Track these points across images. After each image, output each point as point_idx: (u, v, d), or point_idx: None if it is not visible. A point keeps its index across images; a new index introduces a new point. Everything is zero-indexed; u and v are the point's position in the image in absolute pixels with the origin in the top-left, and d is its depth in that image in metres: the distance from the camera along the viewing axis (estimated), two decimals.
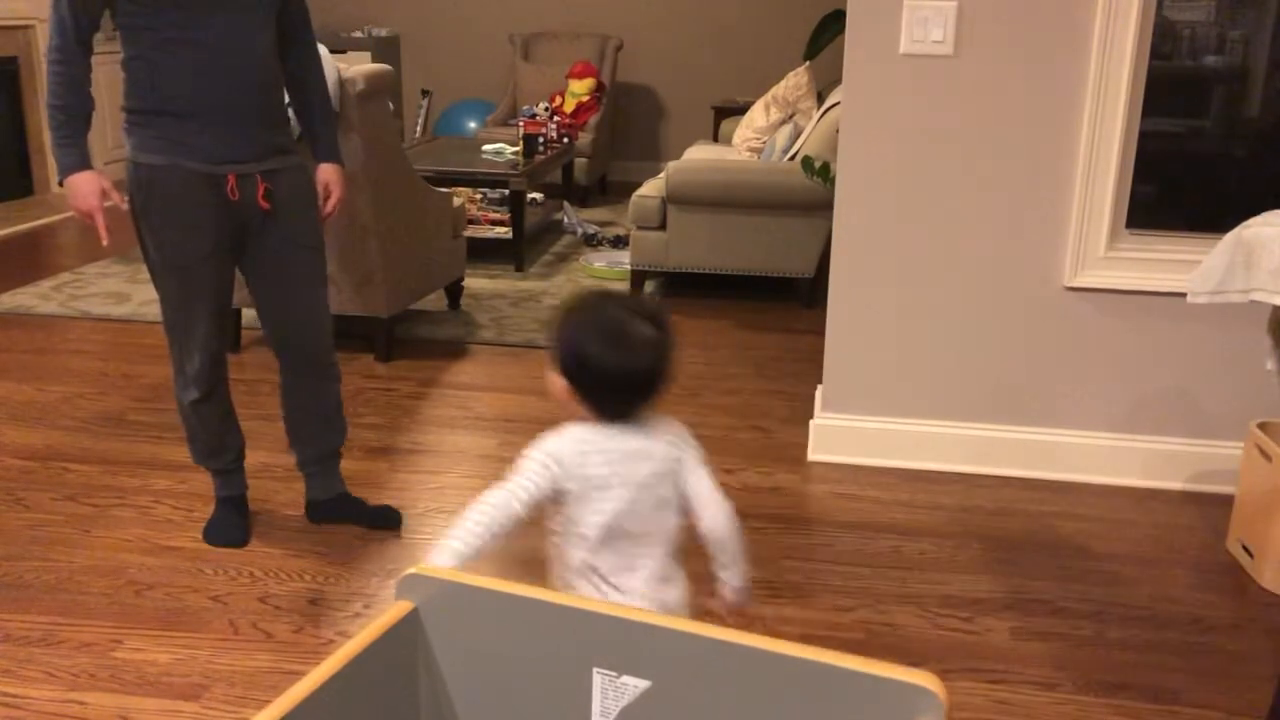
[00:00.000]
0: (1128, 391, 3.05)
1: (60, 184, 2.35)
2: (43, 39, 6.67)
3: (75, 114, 2.31)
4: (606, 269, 5.24)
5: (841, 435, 3.19)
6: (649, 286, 5.04)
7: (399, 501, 2.90)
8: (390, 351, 4.03)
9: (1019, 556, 2.69)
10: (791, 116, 5.64)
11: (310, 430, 2.74)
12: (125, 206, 2.39)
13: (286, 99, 2.58)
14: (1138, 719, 2.09)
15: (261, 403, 3.52)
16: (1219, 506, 2.92)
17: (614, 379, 1.53)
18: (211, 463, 2.69)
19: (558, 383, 1.56)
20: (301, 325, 2.60)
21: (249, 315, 4.32)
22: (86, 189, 2.32)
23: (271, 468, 3.08)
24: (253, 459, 3.07)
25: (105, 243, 2.37)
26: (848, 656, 1.05)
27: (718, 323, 4.59)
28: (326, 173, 2.64)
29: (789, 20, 7.37)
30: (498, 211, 5.86)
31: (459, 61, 7.99)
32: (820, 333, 3.23)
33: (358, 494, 2.92)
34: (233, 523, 2.70)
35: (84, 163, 2.33)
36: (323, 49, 3.56)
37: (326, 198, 2.64)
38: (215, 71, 2.32)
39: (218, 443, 2.66)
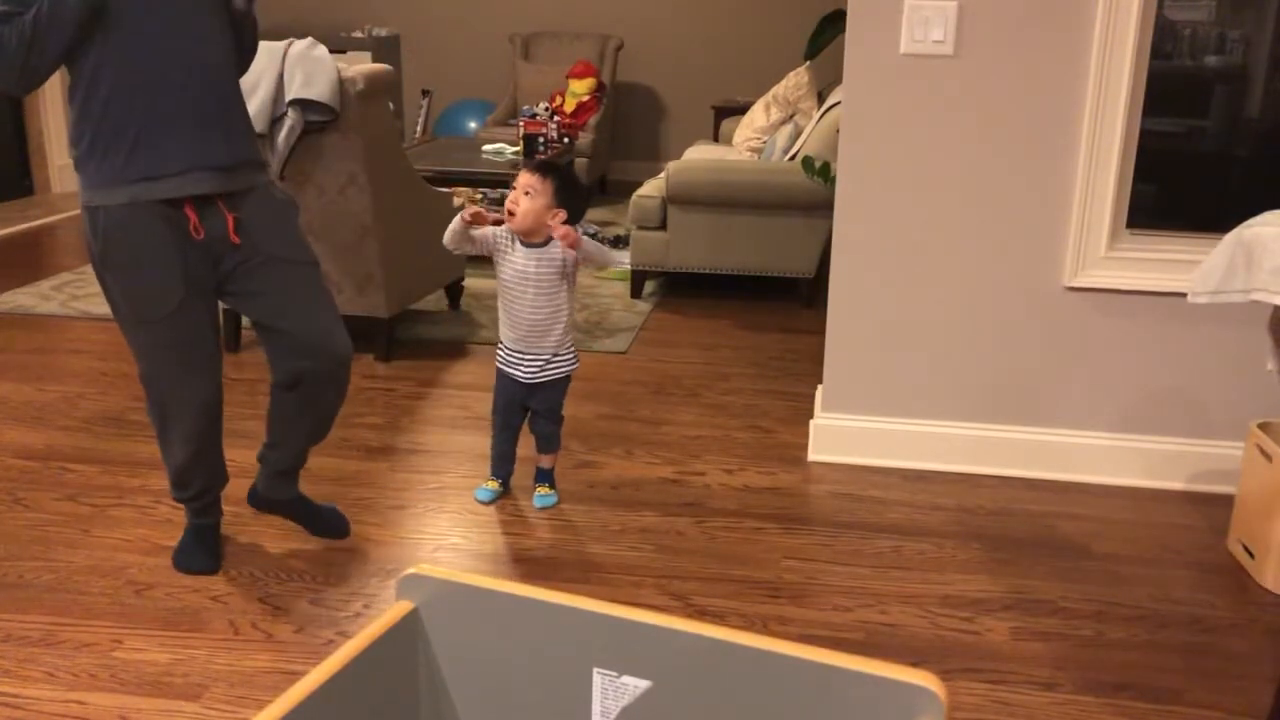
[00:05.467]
0: (1128, 391, 3.05)
1: None
2: None
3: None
4: (607, 269, 5.24)
5: (841, 435, 3.19)
6: (649, 286, 5.04)
7: (399, 501, 2.91)
8: (390, 351, 4.03)
9: (1019, 556, 2.69)
10: (792, 116, 5.64)
11: (301, 440, 2.54)
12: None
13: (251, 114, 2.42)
14: (1138, 719, 2.10)
15: (261, 402, 3.51)
16: (1219, 506, 2.92)
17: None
18: (191, 503, 2.53)
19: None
20: (324, 345, 2.38)
21: None
22: None
23: None
24: (252, 458, 3.07)
25: None
26: (848, 656, 1.05)
27: (718, 323, 4.59)
28: None
29: (789, 20, 7.37)
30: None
31: (459, 61, 7.99)
32: (820, 333, 3.24)
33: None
34: (202, 550, 2.54)
35: None
36: (322, 49, 3.59)
37: None
38: (157, 85, 2.14)
39: (201, 488, 2.51)
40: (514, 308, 2.72)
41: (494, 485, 2.91)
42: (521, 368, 2.76)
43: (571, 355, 2.80)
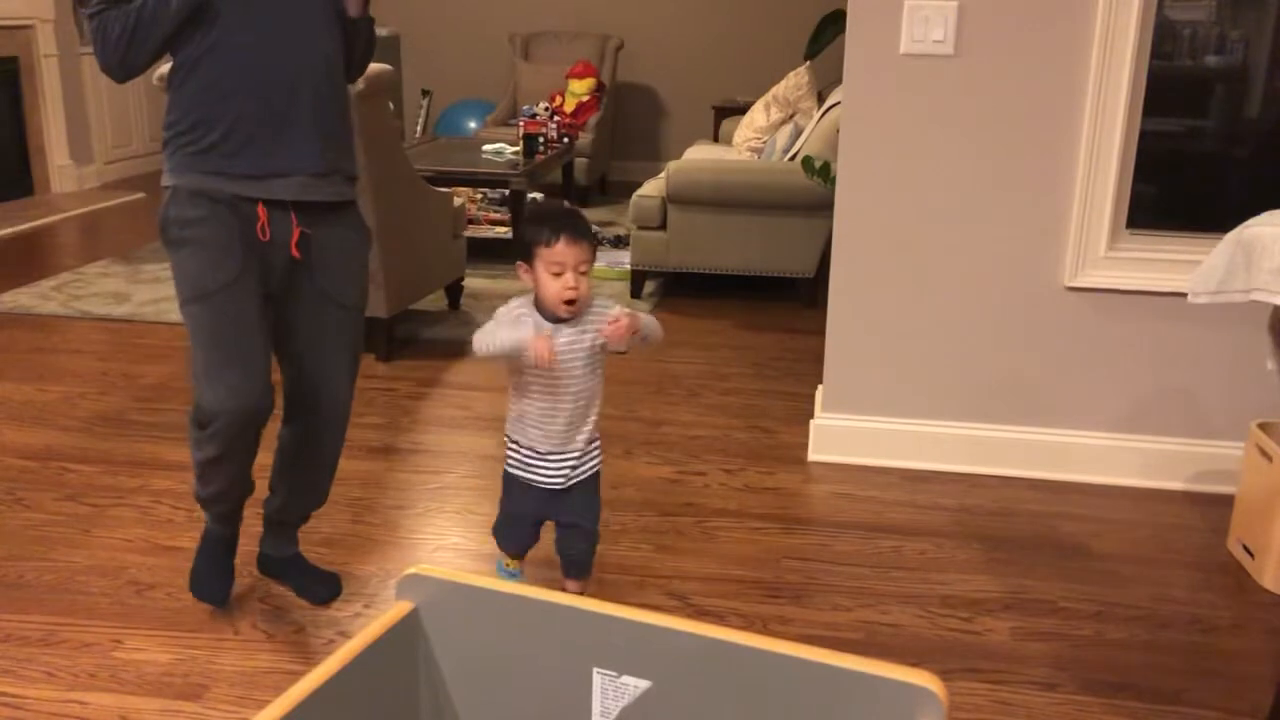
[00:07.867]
0: (1128, 391, 3.05)
1: None
2: (43, 39, 6.68)
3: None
4: (607, 269, 5.23)
5: (841, 435, 3.19)
6: (649, 286, 5.04)
7: (399, 501, 2.91)
8: (390, 351, 4.03)
9: (1019, 556, 2.69)
10: (792, 116, 5.64)
11: (292, 489, 2.42)
12: None
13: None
14: (1137, 719, 2.10)
15: None
16: (1219, 506, 2.92)
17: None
18: (208, 506, 2.38)
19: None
20: (324, 394, 2.30)
21: None
22: None
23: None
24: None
25: None
26: (848, 656, 1.05)
27: (718, 323, 4.59)
28: None
29: (789, 20, 7.37)
30: (498, 211, 5.87)
31: (459, 61, 7.99)
32: (820, 333, 3.24)
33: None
34: (212, 575, 2.42)
35: None
36: None
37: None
38: (251, 89, 2.08)
39: (219, 490, 2.34)
40: (557, 395, 2.17)
41: (517, 565, 2.42)
42: (546, 470, 2.21)
43: (599, 444, 2.27)
